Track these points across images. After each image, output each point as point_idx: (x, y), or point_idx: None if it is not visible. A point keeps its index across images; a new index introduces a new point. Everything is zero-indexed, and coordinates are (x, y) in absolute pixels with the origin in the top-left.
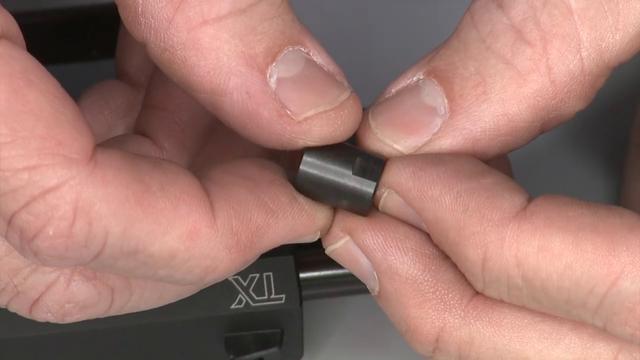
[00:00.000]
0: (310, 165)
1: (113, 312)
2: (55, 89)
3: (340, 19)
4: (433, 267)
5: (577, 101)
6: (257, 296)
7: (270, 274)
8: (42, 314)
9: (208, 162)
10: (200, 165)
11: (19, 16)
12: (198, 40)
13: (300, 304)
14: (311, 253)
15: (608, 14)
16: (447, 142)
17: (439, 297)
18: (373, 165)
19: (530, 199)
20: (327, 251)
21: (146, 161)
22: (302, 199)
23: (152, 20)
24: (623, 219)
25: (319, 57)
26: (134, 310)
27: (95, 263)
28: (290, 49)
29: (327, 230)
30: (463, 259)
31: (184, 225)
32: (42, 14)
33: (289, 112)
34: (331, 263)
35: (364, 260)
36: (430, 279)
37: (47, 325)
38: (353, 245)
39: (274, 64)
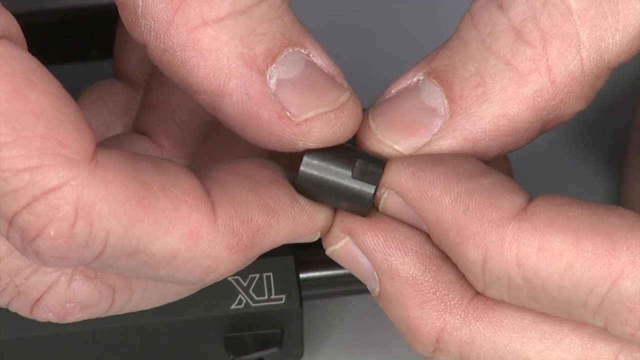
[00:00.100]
0: (310, 166)
1: (114, 312)
2: (57, 89)
3: (340, 20)
4: (433, 268)
5: (577, 101)
6: (257, 296)
7: (270, 274)
8: (43, 314)
9: (207, 161)
10: (199, 164)
11: (19, 16)
12: (198, 42)
13: (300, 304)
14: (311, 253)
15: (608, 14)
16: (447, 143)
17: (440, 297)
18: (373, 168)
19: (530, 199)
20: (328, 252)
21: (147, 161)
22: (302, 200)
23: (152, 22)
24: (623, 219)
25: (319, 59)
26: (135, 310)
27: (96, 263)
28: (291, 50)
29: (327, 230)
30: (463, 259)
31: (185, 226)
32: (42, 14)
33: (288, 114)
34: (331, 263)
35: (364, 261)
36: (430, 280)
37: (48, 325)
38: (353, 246)
39: (273, 66)
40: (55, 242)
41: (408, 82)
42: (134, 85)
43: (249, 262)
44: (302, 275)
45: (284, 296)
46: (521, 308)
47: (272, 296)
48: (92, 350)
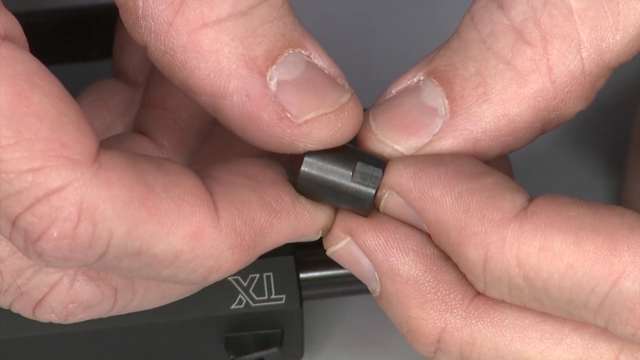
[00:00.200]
0: (311, 167)
1: (116, 312)
2: (59, 91)
3: (340, 21)
4: (434, 268)
5: (578, 101)
6: (257, 296)
7: (271, 274)
8: (46, 315)
9: (207, 160)
10: (199, 163)
11: (19, 16)
12: (198, 43)
13: (301, 304)
14: (311, 253)
15: (608, 14)
16: (447, 143)
17: (441, 297)
18: (373, 170)
19: (530, 199)
20: (328, 252)
21: (149, 162)
22: (304, 199)
23: (153, 23)
24: (624, 219)
25: (320, 60)
26: (137, 310)
27: (99, 264)
28: (291, 51)
29: (328, 229)
30: (464, 259)
31: (187, 226)
32: (42, 14)
33: (289, 115)
34: (331, 263)
35: (365, 261)
36: (431, 280)
37: (48, 325)
38: (354, 247)
39: (274, 67)
40: (59, 243)
41: (408, 82)
42: (134, 85)
43: (251, 262)
44: (302, 275)
45: (284, 296)
46: (522, 308)
47: (272, 296)
48: (92, 350)
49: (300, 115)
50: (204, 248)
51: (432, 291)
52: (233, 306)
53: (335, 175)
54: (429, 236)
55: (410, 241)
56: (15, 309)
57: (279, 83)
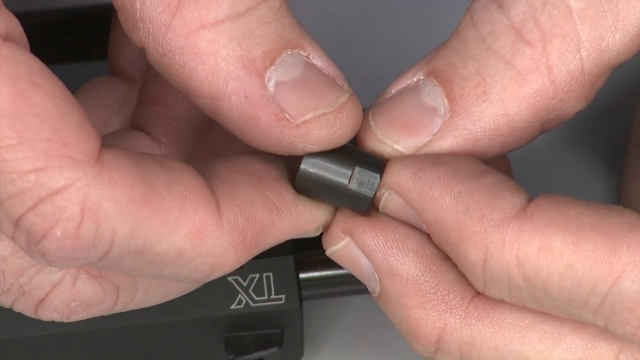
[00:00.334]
0: (310, 166)
1: (118, 310)
2: (61, 91)
3: (340, 21)
4: (434, 268)
5: (577, 101)
6: (257, 296)
7: (270, 274)
8: (48, 314)
9: (206, 156)
10: (198, 159)
11: (19, 16)
12: (196, 45)
13: (300, 304)
14: (311, 253)
15: (608, 13)
16: (447, 143)
17: (440, 297)
18: (371, 175)
19: (530, 199)
20: (328, 252)
21: (151, 160)
22: (305, 197)
23: (150, 25)
24: (623, 219)
25: (319, 60)
26: (139, 307)
27: (102, 263)
28: (289, 52)
29: (328, 226)
30: (464, 259)
31: (190, 224)
32: (42, 14)
33: (287, 116)
34: (331, 263)
35: (364, 262)
36: (431, 280)
37: (48, 325)
38: (354, 247)
39: (272, 68)
40: (62, 242)
41: (408, 82)
42: (130, 81)
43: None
44: (302, 275)
45: (283, 296)
46: (522, 308)
47: (272, 296)
48: (92, 350)
49: (299, 115)
50: (206, 246)
51: (431, 291)
52: (233, 306)
53: (335, 175)
54: (428, 236)
55: (410, 241)
56: (18, 308)
57: (277, 84)
